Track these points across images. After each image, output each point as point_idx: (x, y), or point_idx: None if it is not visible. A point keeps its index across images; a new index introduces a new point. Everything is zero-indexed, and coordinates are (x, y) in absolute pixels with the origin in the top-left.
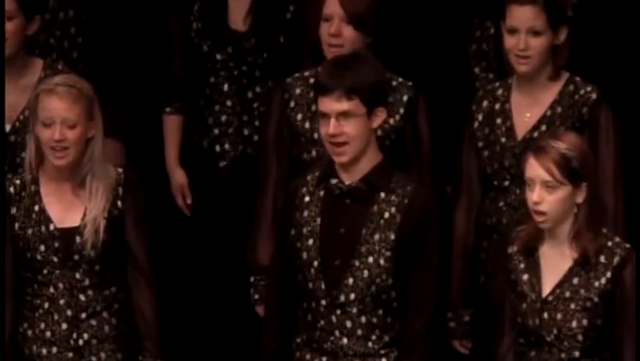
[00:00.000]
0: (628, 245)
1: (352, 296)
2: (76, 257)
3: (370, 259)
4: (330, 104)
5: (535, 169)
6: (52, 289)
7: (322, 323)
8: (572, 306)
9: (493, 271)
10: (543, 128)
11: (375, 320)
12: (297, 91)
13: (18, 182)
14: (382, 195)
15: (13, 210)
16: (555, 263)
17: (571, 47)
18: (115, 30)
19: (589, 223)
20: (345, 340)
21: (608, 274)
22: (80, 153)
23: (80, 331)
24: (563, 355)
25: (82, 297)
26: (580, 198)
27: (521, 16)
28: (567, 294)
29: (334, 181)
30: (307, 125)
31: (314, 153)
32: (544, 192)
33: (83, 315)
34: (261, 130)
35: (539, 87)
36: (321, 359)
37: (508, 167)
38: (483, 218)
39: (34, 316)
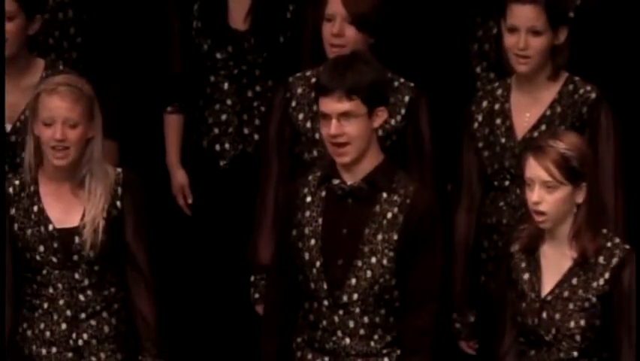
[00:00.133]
0: (627, 246)
1: (355, 296)
2: (75, 257)
3: (373, 259)
4: (331, 105)
5: (534, 169)
6: (51, 290)
7: (324, 323)
8: (571, 306)
9: (495, 270)
10: (543, 127)
11: (377, 319)
12: (299, 90)
13: (17, 182)
14: (384, 195)
15: (12, 211)
16: (555, 263)
17: (571, 47)
18: (114, 30)
19: (588, 223)
20: (347, 340)
21: (607, 275)
22: (79, 153)
23: (79, 331)
24: (561, 355)
25: (81, 297)
26: (580, 198)
27: (522, 15)
28: (566, 294)
29: (336, 181)
30: (308, 124)
31: (315, 152)
32: (544, 192)
33: (83, 315)
34: (262, 129)
35: (539, 87)
36: (323, 359)
37: (508, 167)
38: (483, 218)
39: (33, 316)
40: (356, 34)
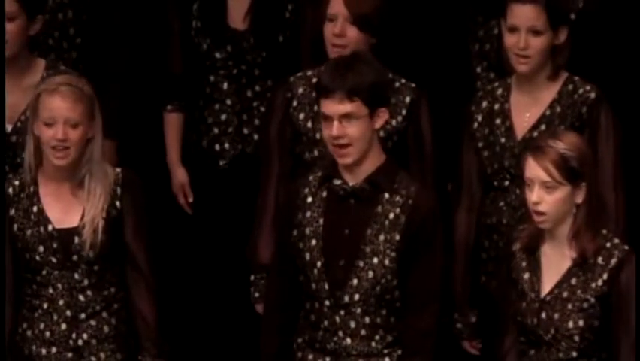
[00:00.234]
0: (626, 247)
1: (356, 297)
2: (75, 258)
3: (375, 260)
4: (333, 107)
5: (533, 169)
6: (51, 290)
7: (325, 323)
8: (569, 307)
9: (496, 269)
10: (542, 127)
11: (378, 320)
12: (300, 90)
13: (16, 183)
14: (386, 195)
15: (12, 211)
16: (555, 263)
17: (571, 47)
18: (114, 30)
19: (588, 223)
20: (348, 340)
21: (605, 276)
22: (79, 154)
23: (79, 331)
24: (560, 355)
25: (81, 297)
26: (579, 198)
27: (522, 14)
28: (565, 294)
29: (338, 182)
30: (309, 124)
31: (316, 152)
32: (543, 193)
33: (82, 315)
34: (263, 129)
35: (538, 87)
36: (324, 359)
37: (508, 167)
38: (483, 218)
39: (33, 316)
40: (358, 35)
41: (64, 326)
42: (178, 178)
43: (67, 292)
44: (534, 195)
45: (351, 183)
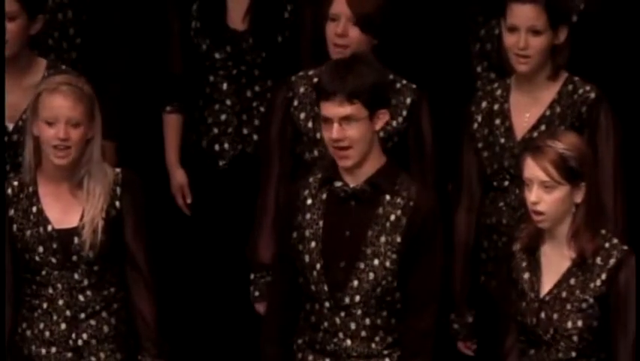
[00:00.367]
0: (625, 247)
1: (357, 298)
2: (74, 258)
3: (376, 262)
4: (333, 109)
5: (532, 169)
6: (50, 290)
7: (325, 324)
8: (568, 307)
9: (496, 269)
10: (542, 128)
11: (379, 321)
12: (301, 90)
13: (16, 183)
14: (387, 197)
15: (11, 212)
16: (555, 263)
17: (571, 47)
18: (114, 30)
19: (587, 223)
20: (348, 341)
21: (604, 276)
22: (79, 154)
23: (79, 331)
24: (560, 355)
25: (81, 297)
26: (578, 198)
27: (522, 14)
28: (564, 294)
29: (339, 184)
30: (310, 124)
31: (316, 152)
32: (542, 192)
33: (82, 315)
34: (263, 128)
35: (538, 87)
36: (324, 360)
37: (508, 167)
38: (483, 218)
39: (33, 316)
40: (360, 35)
41: (63, 326)
42: (177, 179)
43: (66, 292)
44: (533, 195)
45: (351, 185)
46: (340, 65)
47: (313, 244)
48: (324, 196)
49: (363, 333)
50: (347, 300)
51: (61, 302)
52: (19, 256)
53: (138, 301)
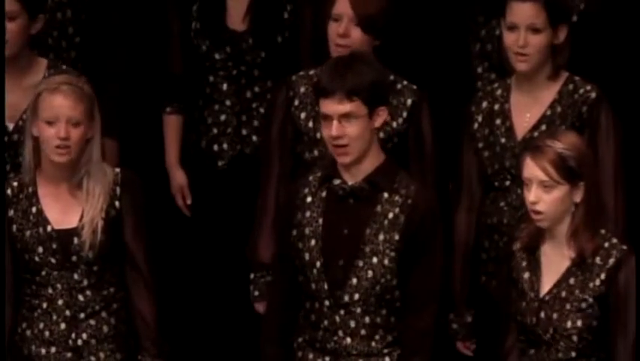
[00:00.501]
0: (625, 247)
1: (356, 296)
2: (74, 258)
3: (375, 260)
4: (332, 106)
5: (531, 169)
6: (50, 290)
7: (325, 323)
8: (568, 306)
9: (497, 269)
10: (543, 127)
11: (378, 319)
12: (302, 89)
13: (15, 184)
14: (386, 195)
15: (11, 212)
16: (555, 262)
17: (571, 47)
18: (113, 30)
19: (586, 223)
20: (348, 340)
21: (603, 276)
22: (79, 153)
23: (78, 331)
24: (560, 354)
25: (80, 297)
26: (578, 198)
27: (522, 12)
28: (563, 294)
29: (337, 182)
30: (310, 124)
31: (316, 152)
32: (541, 192)
33: (82, 315)
34: (264, 128)
35: (539, 87)
36: (324, 359)
37: (509, 167)
38: (484, 218)
39: (32, 316)
40: (362, 36)
41: (63, 326)
42: (177, 180)
43: (66, 292)
44: (532, 194)
45: (350, 183)
46: (339, 63)
47: (313, 242)
48: (324, 194)
49: (363, 331)
50: (346, 298)
51: (60, 302)
52: (18, 257)
53: (138, 301)
